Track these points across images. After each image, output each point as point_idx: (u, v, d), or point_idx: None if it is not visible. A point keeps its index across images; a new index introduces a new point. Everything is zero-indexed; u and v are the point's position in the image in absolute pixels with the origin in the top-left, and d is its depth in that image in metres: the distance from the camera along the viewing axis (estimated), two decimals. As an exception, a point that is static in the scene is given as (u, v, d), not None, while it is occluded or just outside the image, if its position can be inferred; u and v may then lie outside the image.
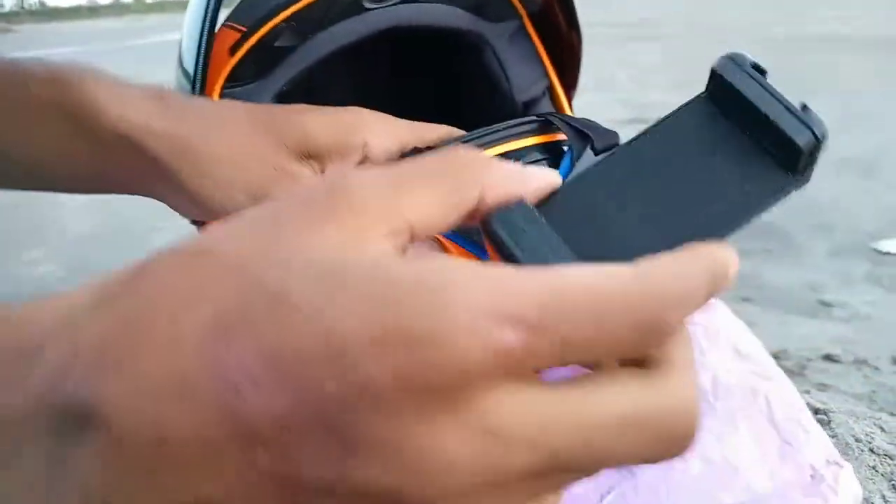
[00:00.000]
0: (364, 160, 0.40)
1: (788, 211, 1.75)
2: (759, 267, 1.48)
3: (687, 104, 0.26)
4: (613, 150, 0.26)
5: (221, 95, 0.45)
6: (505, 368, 0.15)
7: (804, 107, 0.24)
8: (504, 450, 0.15)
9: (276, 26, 0.43)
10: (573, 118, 0.46)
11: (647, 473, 0.44)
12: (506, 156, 0.43)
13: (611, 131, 0.43)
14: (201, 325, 0.15)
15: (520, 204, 0.23)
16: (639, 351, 0.17)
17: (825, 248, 1.56)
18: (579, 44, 0.55)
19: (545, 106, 0.56)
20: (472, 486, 0.15)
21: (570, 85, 0.57)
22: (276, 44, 0.44)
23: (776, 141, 0.23)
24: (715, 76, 0.25)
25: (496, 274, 0.15)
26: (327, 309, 0.15)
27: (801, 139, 0.23)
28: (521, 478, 0.15)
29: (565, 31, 0.55)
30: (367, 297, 0.15)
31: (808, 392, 0.85)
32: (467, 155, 0.20)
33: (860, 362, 1.12)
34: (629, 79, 2.93)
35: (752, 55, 0.25)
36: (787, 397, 0.49)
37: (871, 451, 0.57)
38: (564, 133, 0.44)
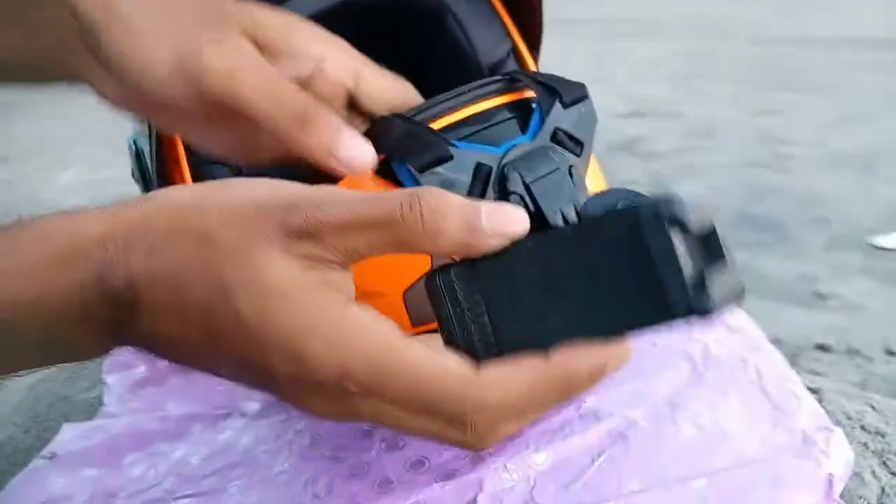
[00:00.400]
0: (314, 78, 0.38)
1: (785, 204, 1.75)
2: (754, 258, 1.48)
3: (622, 212, 0.27)
4: (547, 232, 0.29)
5: None
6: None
7: (701, 280, 0.25)
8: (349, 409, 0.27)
9: None
10: (539, 73, 0.46)
11: (639, 438, 0.44)
12: (475, 117, 0.42)
13: (577, 83, 0.43)
14: (193, 301, 0.25)
15: (456, 265, 0.29)
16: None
17: (820, 242, 1.56)
18: (539, 1, 0.56)
19: (511, 67, 0.56)
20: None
21: (533, 45, 0.58)
22: None
23: (662, 300, 0.25)
24: (637, 218, 0.25)
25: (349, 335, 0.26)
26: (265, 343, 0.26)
27: (678, 310, 0.25)
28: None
29: None
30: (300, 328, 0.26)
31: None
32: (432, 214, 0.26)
33: (853, 352, 1.12)
34: (628, 73, 2.92)
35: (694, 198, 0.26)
36: (778, 367, 0.49)
37: (863, 428, 0.57)
38: (532, 90, 0.44)
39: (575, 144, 0.40)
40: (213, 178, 0.49)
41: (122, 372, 0.61)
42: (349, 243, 0.26)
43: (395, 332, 0.26)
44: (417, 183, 0.37)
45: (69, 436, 0.56)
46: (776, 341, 1.15)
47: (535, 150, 0.38)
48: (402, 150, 0.38)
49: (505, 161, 0.37)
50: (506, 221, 0.27)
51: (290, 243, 0.25)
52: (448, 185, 0.37)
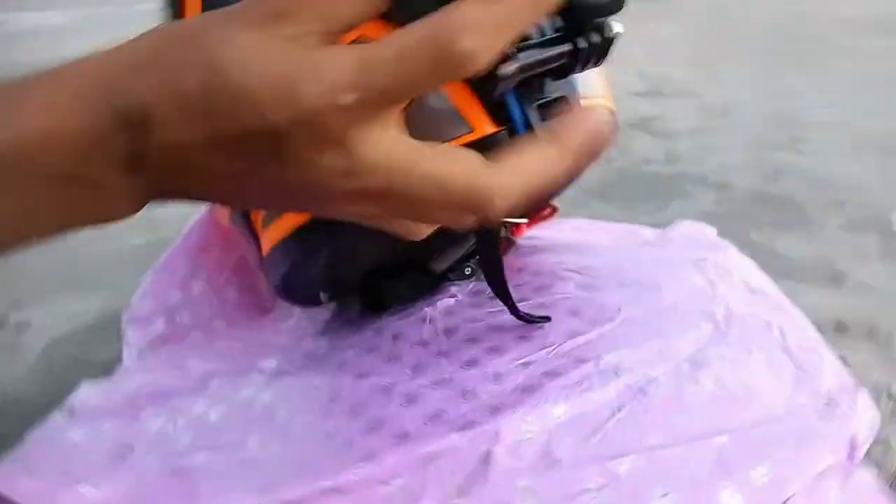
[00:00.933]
0: None
1: (802, 186, 1.73)
2: (771, 239, 1.47)
3: None
4: None
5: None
6: (352, 117, 0.24)
7: None
8: (361, 168, 0.26)
9: None
10: None
11: (659, 394, 0.44)
12: None
13: None
14: (193, 89, 0.25)
15: None
16: (440, 79, 0.24)
17: (838, 223, 1.55)
18: None
19: None
20: (349, 183, 0.26)
21: None
22: None
23: None
24: None
25: (335, 58, 0.24)
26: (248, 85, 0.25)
27: None
28: (366, 183, 0.26)
29: None
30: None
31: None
32: None
33: (872, 332, 1.11)
34: (646, 53, 2.90)
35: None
36: (801, 328, 0.49)
37: (889, 396, 0.56)
38: None
39: None
40: None
41: (142, 328, 0.61)
42: (331, 12, 0.25)
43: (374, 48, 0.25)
44: None
45: (87, 392, 0.57)
46: (793, 319, 1.15)
47: None
48: None
49: None
50: None
51: (273, 26, 0.25)
52: None
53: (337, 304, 0.60)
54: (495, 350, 0.49)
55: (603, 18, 0.30)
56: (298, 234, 0.47)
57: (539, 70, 0.30)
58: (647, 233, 0.78)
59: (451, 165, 0.26)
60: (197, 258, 0.66)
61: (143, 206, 0.29)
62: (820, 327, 1.14)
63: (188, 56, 0.26)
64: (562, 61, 0.30)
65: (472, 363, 0.49)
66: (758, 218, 1.56)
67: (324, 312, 0.59)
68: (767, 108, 2.34)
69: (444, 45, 0.23)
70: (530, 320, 0.49)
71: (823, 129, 2.10)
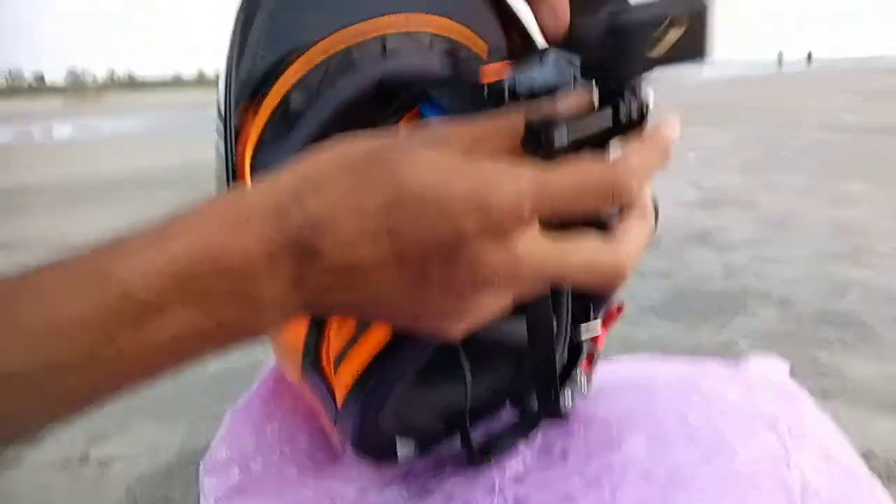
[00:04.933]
0: None
1: (868, 301, 1.69)
2: (837, 359, 1.43)
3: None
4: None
5: (251, 166, 0.48)
6: (524, 223, 0.27)
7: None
8: (520, 265, 0.28)
9: (288, 91, 0.48)
10: None
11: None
12: None
13: None
14: (373, 206, 0.27)
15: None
16: (605, 209, 0.29)
17: (907, 341, 1.50)
18: None
19: None
20: (505, 278, 0.28)
21: None
22: (291, 107, 0.49)
23: None
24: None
25: (520, 175, 0.27)
26: (443, 198, 0.27)
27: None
28: (520, 276, 0.28)
29: None
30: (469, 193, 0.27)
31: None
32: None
33: (953, 465, 1.06)
34: (699, 160, 2.92)
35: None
36: (879, 502, 0.47)
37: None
38: None
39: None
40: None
41: (218, 477, 0.62)
42: (478, 148, 0.29)
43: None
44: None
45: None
46: (868, 454, 1.10)
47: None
48: None
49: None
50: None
51: (443, 147, 0.29)
52: None
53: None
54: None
55: (636, 78, 0.32)
56: (370, 371, 0.48)
57: (588, 135, 0.32)
58: (716, 367, 0.77)
59: (590, 252, 0.30)
60: (271, 403, 0.68)
61: (289, 321, 0.30)
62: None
63: (369, 175, 0.28)
64: (606, 126, 0.32)
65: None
66: (823, 337, 1.52)
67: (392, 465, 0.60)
68: (826, 217, 2.31)
69: (619, 184, 0.28)
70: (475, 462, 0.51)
71: (887, 239, 2.07)
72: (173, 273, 0.26)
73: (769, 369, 0.73)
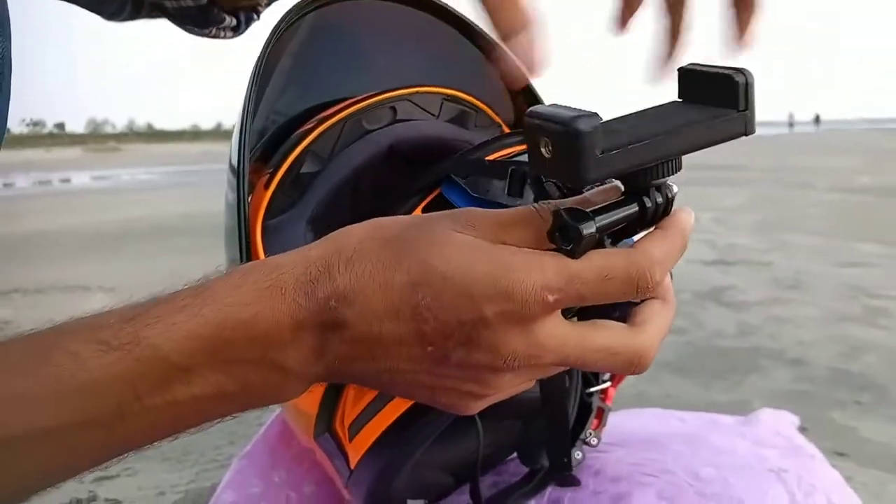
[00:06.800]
0: None
1: (883, 362, 1.68)
2: (852, 419, 1.41)
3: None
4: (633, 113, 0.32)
5: (263, 230, 0.49)
6: (547, 310, 0.28)
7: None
8: (540, 350, 0.28)
9: (299, 155, 0.48)
10: None
11: None
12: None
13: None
14: (399, 283, 0.27)
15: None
16: (628, 298, 0.29)
17: (922, 403, 1.48)
18: None
19: None
20: (524, 362, 0.28)
21: None
22: (302, 171, 0.50)
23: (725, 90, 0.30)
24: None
25: (545, 265, 0.28)
26: (467, 281, 0.27)
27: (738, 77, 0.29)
28: (541, 360, 0.28)
29: None
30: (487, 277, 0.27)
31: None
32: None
33: (971, 532, 1.04)
34: (714, 221, 2.93)
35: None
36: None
37: None
38: None
39: None
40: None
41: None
42: (505, 234, 0.29)
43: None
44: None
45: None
46: (882, 516, 1.08)
47: None
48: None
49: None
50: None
51: (471, 231, 0.29)
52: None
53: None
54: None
55: (663, 179, 0.33)
56: (387, 438, 0.48)
57: (612, 229, 0.32)
58: (727, 421, 0.76)
59: (612, 338, 0.30)
60: (278, 448, 0.68)
61: (310, 387, 0.30)
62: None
63: (399, 254, 0.28)
64: (632, 220, 0.33)
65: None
66: (838, 397, 1.51)
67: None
68: (840, 278, 2.31)
69: (643, 275, 0.28)
70: None
71: (900, 302, 2.05)
72: (205, 336, 0.27)
73: (779, 423, 0.73)
